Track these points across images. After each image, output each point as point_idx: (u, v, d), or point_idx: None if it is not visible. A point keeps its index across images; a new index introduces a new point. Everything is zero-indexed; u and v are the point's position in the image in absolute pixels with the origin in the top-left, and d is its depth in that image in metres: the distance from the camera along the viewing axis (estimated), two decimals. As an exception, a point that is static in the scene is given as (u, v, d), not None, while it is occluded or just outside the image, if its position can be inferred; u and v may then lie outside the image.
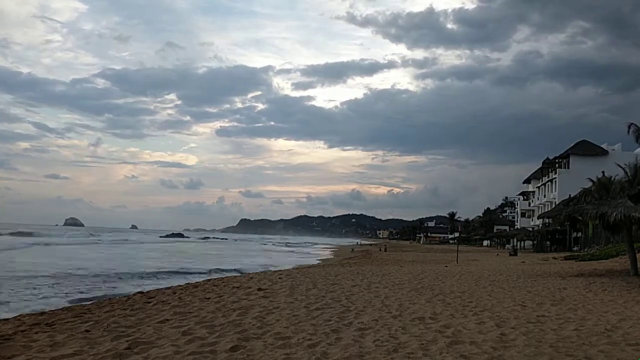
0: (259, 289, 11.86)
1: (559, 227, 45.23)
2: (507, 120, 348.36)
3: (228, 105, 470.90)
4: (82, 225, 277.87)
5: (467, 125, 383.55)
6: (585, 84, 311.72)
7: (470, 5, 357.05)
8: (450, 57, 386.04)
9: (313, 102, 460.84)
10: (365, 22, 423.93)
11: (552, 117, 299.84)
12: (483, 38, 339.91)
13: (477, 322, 7.77)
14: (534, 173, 76.06)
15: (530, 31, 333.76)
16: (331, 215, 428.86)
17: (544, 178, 68.49)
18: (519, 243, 63.21)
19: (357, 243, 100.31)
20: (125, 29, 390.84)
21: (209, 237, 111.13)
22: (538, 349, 5.96)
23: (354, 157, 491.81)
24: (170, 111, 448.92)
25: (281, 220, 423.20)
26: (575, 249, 41.06)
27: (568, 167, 61.36)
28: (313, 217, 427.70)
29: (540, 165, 73.15)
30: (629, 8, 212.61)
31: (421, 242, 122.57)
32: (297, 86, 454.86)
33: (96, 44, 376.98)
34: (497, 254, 44.89)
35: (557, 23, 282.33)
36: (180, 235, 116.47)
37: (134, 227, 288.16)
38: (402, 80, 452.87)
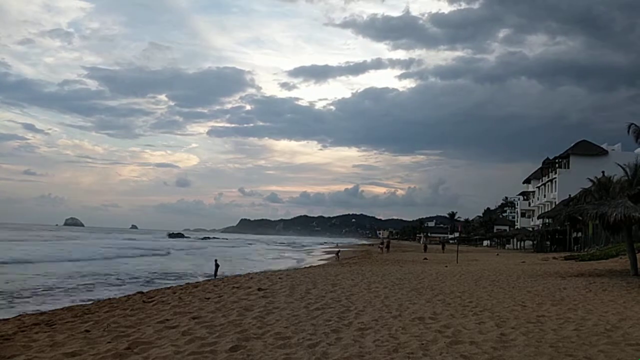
0: (259, 289, 11.86)
1: (559, 227, 45.22)
2: (492, 119, 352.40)
3: (220, 106, 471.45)
4: (82, 225, 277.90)
5: (460, 125, 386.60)
6: (567, 84, 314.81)
7: (449, 8, 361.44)
8: (434, 58, 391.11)
9: (305, 103, 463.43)
10: (350, 24, 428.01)
11: (535, 117, 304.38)
12: (466, 39, 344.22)
13: (477, 322, 7.77)
14: (534, 173, 76.03)
15: (510, 32, 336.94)
16: (331, 215, 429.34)
17: (544, 178, 68.48)
18: (519, 243, 63.24)
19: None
20: (120, 30, 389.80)
21: (208, 237, 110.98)
22: (538, 349, 5.95)
23: (353, 157, 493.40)
24: (166, 111, 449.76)
25: (281, 220, 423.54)
26: (574, 248, 41.07)
27: (568, 167, 61.36)
28: (313, 217, 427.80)
29: (539, 165, 73.19)
30: (599, 10, 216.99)
31: (421, 242, 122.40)
32: (287, 86, 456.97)
33: (89, 45, 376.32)
34: (497, 254, 44.91)
35: (535, 24, 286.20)
36: (180, 235, 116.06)
37: (134, 227, 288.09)
38: (390, 80, 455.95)
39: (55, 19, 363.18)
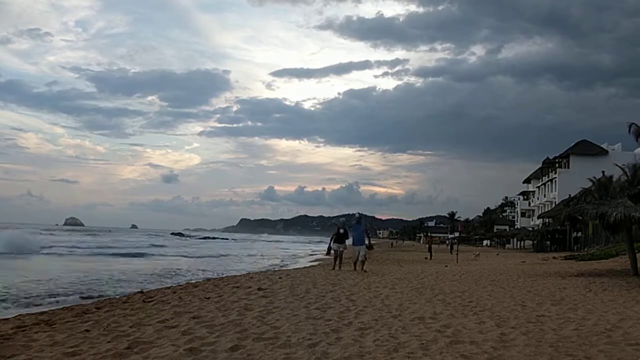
0: (259, 289, 11.85)
1: (559, 227, 45.29)
2: (485, 119, 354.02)
3: (209, 107, 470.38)
4: (82, 225, 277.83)
5: (454, 124, 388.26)
6: (550, 83, 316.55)
7: (433, 9, 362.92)
8: (418, 59, 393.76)
9: (292, 102, 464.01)
10: (329, 26, 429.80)
11: (524, 116, 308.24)
12: (446, 40, 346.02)
13: (477, 321, 7.78)
14: (534, 173, 76.08)
15: (489, 33, 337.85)
16: (331, 215, 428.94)
17: (544, 178, 68.57)
18: (519, 243, 63.24)
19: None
20: (115, 30, 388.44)
21: (208, 237, 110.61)
22: (538, 349, 5.95)
23: (352, 156, 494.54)
24: (165, 112, 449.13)
25: (281, 219, 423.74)
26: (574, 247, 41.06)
27: (568, 167, 61.43)
28: (313, 217, 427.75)
29: (539, 165, 73.17)
30: (567, 11, 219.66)
31: (421, 242, 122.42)
32: (273, 87, 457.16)
33: (81, 46, 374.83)
34: (497, 254, 44.94)
35: (514, 25, 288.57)
36: (180, 234, 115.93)
37: (134, 226, 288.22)
38: (377, 79, 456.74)
39: (51, 19, 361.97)
